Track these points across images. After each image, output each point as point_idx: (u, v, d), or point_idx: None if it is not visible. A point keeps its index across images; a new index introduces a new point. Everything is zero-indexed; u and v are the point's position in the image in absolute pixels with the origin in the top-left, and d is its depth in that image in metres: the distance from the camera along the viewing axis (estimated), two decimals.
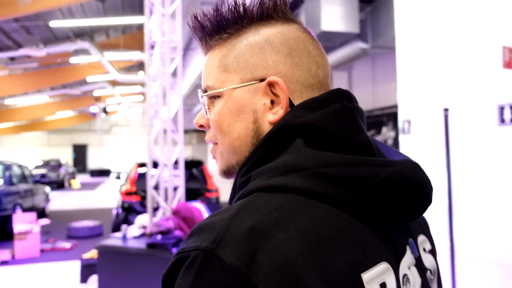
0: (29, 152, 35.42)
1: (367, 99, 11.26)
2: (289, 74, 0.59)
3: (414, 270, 0.59)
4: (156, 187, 5.10)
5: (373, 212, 0.52)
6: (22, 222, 6.10)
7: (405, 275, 0.56)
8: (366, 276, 0.49)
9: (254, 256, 0.44)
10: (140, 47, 14.41)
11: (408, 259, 0.58)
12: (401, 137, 3.72)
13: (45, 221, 6.54)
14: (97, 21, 13.24)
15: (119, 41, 16.45)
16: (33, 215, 6.41)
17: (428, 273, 0.63)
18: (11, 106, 26.72)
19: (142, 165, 7.45)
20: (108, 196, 15.58)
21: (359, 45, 8.10)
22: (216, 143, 0.65)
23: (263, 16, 0.61)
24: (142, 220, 4.68)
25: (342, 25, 7.13)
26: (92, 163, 35.97)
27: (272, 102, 0.59)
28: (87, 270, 5.08)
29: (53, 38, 15.64)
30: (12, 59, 17.31)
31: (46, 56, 16.37)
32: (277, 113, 0.58)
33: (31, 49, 13.65)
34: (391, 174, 0.53)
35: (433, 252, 0.68)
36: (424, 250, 0.65)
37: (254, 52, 0.60)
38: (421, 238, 0.66)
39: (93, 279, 4.96)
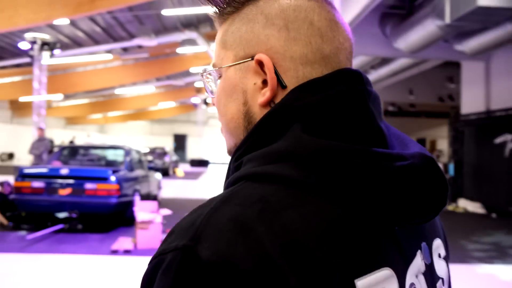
0: (134, 139, 37.87)
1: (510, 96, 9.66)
2: (282, 50, 0.53)
3: (422, 279, 0.53)
4: None
5: (376, 211, 0.46)
6: (144, 210, 5.95)
7: (412, 284, 0.50)
8: (361, 282, 0.44)
9: (233, 250, 0.41)
10: None
11: (416, 265, 0.52)
12: None
13: (166, 211, 6.30)
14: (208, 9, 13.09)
15: None
16: (154, 204, 6.24)
17: (439, 282, 0.57)
18: (121, 95, 28.56)
19: None
20: (211, 186, 15.66)
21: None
22: None
23: None
24: None
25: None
26: (190, 153, 37.37)
27: (265, 81, 0.54)
28: None
29: (163, 28, 15.98)
30: (125, 50, 18.19)
31: (155, 46, 16.88)
32: (265, 94, 0.53)
33: (143, 39, 14.07)
34: (399, 168, 0.47)
35: (446, 258, 0.62)
36: (439, 256, 0.59)
37: (248, 26, 0.55)
38: (437, 243, 0.60)
39: None
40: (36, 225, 7.11)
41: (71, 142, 24.14)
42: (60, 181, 6.60)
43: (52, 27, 14.59)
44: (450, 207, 11.39)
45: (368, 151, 0.47)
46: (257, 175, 0.48)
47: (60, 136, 29.00)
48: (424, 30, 7.69)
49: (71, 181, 6.59)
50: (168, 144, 33.62)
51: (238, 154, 0.53)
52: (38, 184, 6.57)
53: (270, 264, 0.41)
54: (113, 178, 6.65)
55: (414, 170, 0.48)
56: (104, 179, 6.62)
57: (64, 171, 6.66)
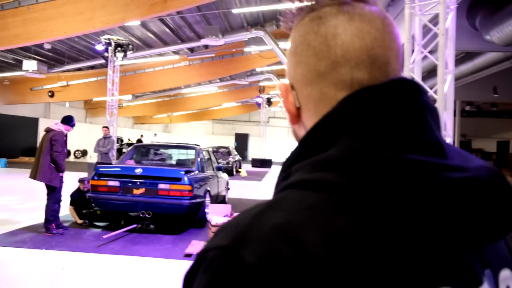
0: (196, 139, 38.69)
1: None
2: (293, 73, 0.55)
3: None
4: None
5: (433, 227, 0.43)
6: (217, 213, 5.75)
7: None
8: None
9: (277, 258, 0.39)
10: None
11: None
12: None
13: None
14: (280, 6, 12.81)
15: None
16: (228, 207, 6.02)
17: None
18: (186, 95, 29.20)
19: None
20: None
21: None
22: None
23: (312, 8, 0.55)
24: None
25: None
26: (252, 152, 37.46)
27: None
28: None
29: (229, 28, 15.95)
30: (191, 50, 18.43)
31: (221, 46, 16.93)
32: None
33: (211, 39, 14.09)
34: (461, 180, 0.44)
35: None
36: None
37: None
38: (505, 273, 0.53)
39: None
40: (110, 223, 7.18)
41: (139, 140, 25.01)
42: (134, 180, 6.58)
43: (125, 29, 15.05)
44: None
45: (426, 162, 0.44)
46: (305, 182, 0.46)
47: (128, 135, 30.25)
48: None
49: (144, 181, 6.54)
50: (229, 144, 33.95)
51: (288, 165, 0.51)
52: (113, 183, 6.60)
53: (319, 275, 0.38)
54: (186, 179, 6.52)
55: (477, 183, 0.44)
56: (177, 180, 6.50)
57: (138, 170, 6.63)
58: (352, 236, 0.41)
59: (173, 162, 8.03)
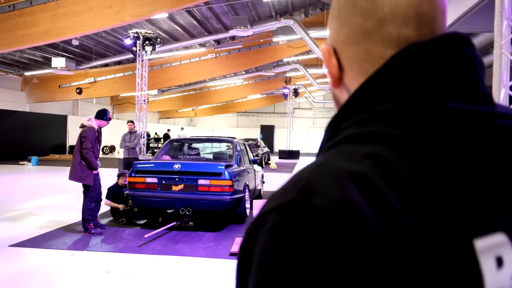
0: (221, 133, 38.55)
1: None
2: (336, 35, 0.54)
3: None
4: None
5: (486, 172, 0.43)
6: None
7: None
8: (480, 242, 0.41)
9: (352, 197, 0.37)
10: None
11: None
12: None
13: None
14: None
15: (320, 19, 15.43)
16: None
17: None
18: (211, 88, 29.01)
19: None
20: None
21: None
22: None
23: None
24: None
25: None
26: (278, 144, 37.14)
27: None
28: None
29: (257, 18, 15.56)
30: (218, 43, 18.13)
31: (248, 37, 16.56)
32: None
33: (239, 30, 13.75)
34: (510, 127, 0.46)
35: None
36: None
37: None
38: None
39: None
40: (148, 221, 6.97)
41: (166, 135, 24.99)
42: (173, 176, 6.32)
43: (152, 22, 14.86)
44: None
45: (478, 111, 0.46)
46: (359, 135, 0.45)
47: (154, 129, 30.33)
48: None
49: (183, 177, 6.28)
50: (255, 136, 33.69)
51: (334, 124, 0.50)
52: (151, 180, 6.36)
53: (393, 215, 0.38)
54: (226, 173, 6.22)
55: None
56: (218, 175, 6.21)
57: (177, 166, 6.36)
58: (417, 180, 0.40)
59: (210, 156, 7.73)
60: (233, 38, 17.48)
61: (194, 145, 8.27)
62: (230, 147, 7.58)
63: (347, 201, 0.37)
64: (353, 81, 0.52)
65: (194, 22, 15.42)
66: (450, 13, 7.39)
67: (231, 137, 8.02)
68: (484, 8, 6.93)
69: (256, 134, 37.13)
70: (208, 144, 8.23)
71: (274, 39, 16.24)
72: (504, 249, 0.42)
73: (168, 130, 26.33)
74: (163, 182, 6.33)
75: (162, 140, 26.07)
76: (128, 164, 9.62)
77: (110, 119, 6.46)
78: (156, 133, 28.89)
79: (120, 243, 5.73)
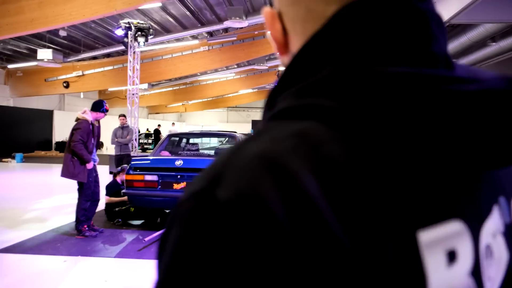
0: (211, 128, 38.03)
1: None
2: None
3: (501, 240, 0.42)
4: None
5: (438, 149, 0.36)
6: None
7: (488, 247, 0.40)
8: (425, 235, 0.35)
9: (259, 188, 0.32)
10: None
11: (494, 223, 0.42)
12: None
13: None
14: None
15: None
16: None
17: None
18: (202, 83, 28.44)
19: None
20: None
21: None
22: None
23: None
24: None
25: None
26: None
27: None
28: None
29: (251, 9, 15.09)
30: (211, 35, 17.59)
31: (242, 29, 16.09)
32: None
33: (234, 21, 13.26)
34: (471, 93, 0.37)
35: None
36: None
37: None
38: None
39: None
40: (146, 221, 6.50)
41: (156, 130, 24.40)
42: (174, 174, 5.84)
43: (143, 13, 14.29)
44: None
45: (431, 75, 0.38)
46: (290, 109, 0.39)
47: (144, 125, 29.65)
48: None
49: (186, 174, 5.81)
50: (245, 132, 33.29)
51: (272, 95, 0.44)
52: (151, 177, 5.87)
53: (308, 207, 0.32)
54: None
55: (493, 95, 0.38)
56: None
57: (179, 163, 5.89)
58: (348, 164, 0.34)
59: (211, 152, 7.27)
60: (226, 30, 16.99)
61: (193, 140, 7.79)
62: (233, 142, 7.12)
63: (253, 194, 0.31)
64: (297, 45, 0.45)
65: (187, 12, 14.88)
66: (454, 3, 7.14)
67: (233, 131, 7.57)
68: None
69: (247, 129, 36.71)
70: (209, 139, 7.76)
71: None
72: (459, 240, 0.36)
73: (159, 125, 25.75)
74: (164, 180, 5.85)
75: (152, 135, 25.47)
76: (120, 160, 9.10)
77: (107, 110, 5.96)
78: (147, 129, 28.27)
79: (117, 247, 5.25)
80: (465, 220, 0.38)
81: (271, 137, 0.36)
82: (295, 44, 0.46)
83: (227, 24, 13.56)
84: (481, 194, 0.41)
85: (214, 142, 7.81)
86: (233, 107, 40.62)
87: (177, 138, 7.81)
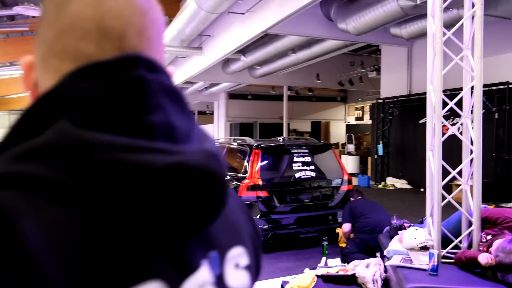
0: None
1: None
2: (35, 46, 0.52)
3: None
4: None
5: (132, 218, 0.40)
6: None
7: None
8: None
9: None
10: None
11: (201, 277, 0.46)
12: None
13: None
14: None
15: None
16: None
17: None
18: None
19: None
20: None
21: None
22: None
23: None
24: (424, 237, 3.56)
25: None
26: None
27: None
28: None
29: None
30: (12, 19, 14.79)
31: (36, 19, 14.12)
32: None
33: (27, 8, 11.52)
34: (166, 166, 0.41)
35: (250, 268, 0.55)
36: (237, 266, 0.53)
37: None
38: (236, 251, 0.54)
39: None
40: None
41: None
42: None
43: None
44: (380, 185, 12.15)
45: (140, 145, 0.41)
46: (2, 177, 0.38)
47: None
48: (383, 10, 7.53)
49: None
50: None
51: None
52: None
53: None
54: None
55: (186, 167, 0.42)
56: None
57: None
58: (36, 240, 0.35)
59: None
60: (12, 18, 14.60)
61: None
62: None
63: None
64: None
65: None
66: (274, 15, 7.59)
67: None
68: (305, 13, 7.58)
69: None
70: None
71: None
72: None
73: None
74: None
75: None
76: None
77: None
78: None
79: None
80: (163, 279, 0.41)
81: None
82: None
83: (17, 10, 11.64)
84: (187, 253, 0.45)
85: None
86: (19, 110, 35.32)
87: None
